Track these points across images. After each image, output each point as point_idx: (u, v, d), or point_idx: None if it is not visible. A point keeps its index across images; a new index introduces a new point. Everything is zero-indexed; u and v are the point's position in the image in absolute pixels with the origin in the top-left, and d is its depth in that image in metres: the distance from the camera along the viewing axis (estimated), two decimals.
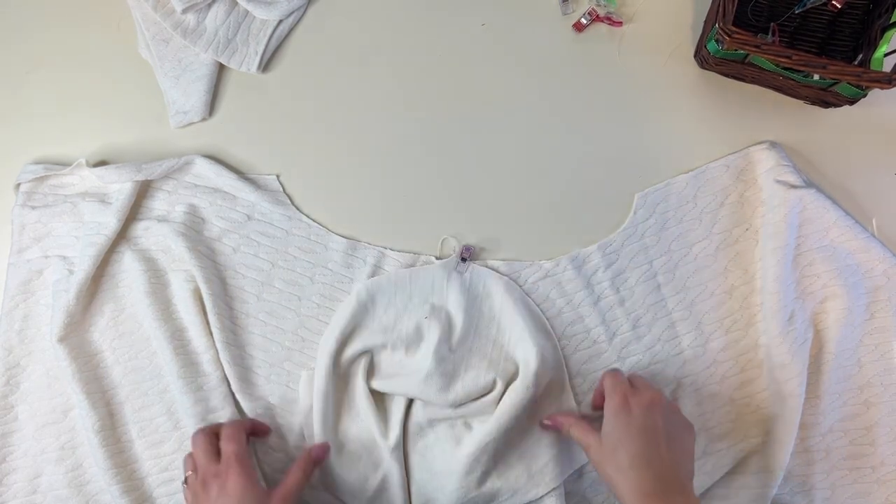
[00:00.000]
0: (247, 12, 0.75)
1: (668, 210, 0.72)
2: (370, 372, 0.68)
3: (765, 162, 0.71)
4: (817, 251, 0.69)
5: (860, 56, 0.71)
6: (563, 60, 0.75)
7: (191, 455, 0.61)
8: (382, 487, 0.65)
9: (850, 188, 0.72)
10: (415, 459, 0.66)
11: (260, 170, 0.74)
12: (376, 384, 0.67)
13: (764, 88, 0.73)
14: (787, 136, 0.73)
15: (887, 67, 0.68)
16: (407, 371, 0.67)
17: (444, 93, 0.75)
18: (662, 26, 0.75)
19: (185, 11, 0.74)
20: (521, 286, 0.70)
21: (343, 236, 0.72)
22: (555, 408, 0.67)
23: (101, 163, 0.74)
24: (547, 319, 0.69)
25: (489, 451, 0.64)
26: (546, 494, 0.65)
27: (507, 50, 0.76)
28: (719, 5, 0.64)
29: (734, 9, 0.64)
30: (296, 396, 0.69)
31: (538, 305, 0.70)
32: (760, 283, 0.69)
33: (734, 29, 0.62)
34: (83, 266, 0.68)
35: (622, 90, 0.75)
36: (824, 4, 0.72)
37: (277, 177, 0.74)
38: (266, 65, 0.76)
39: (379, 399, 0.67)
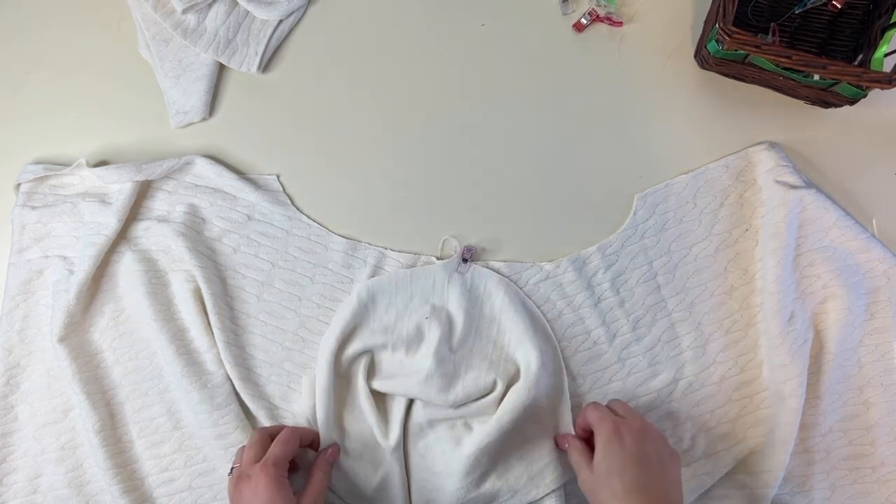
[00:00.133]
0: (247, 12, 0.75)
1: (667, 211, 0.72)
2: (371, 372, 0.68)
3: (764, 162, 0.71)
4: (817, 251, 0.69)
5: (860, 56, 0.71)
6: (563, 61, 0.75)
7: (242, 448, 0.61)
8: (382, 487, 0.65)
9: (850, 188, 0.72)
10: (415, 460, 0.66)
11: (260, 170, 0.74)
12: (377, 384, 0.67)
13: (764, 88, 0.73)
14: (787, 136, 0.73)
15: (887, 67, 0.68)
16: (407, 371, 0.67)
17: (445, 93, 0.75)
18: (662, 26, 0.75)
19: (185, 11, 0.74)
20: (521, 287, 0.70)
21: (343, 236, 0.72)
22: (553, 410, 0.67)
23: (102, 163, 0.74)
24: (547, 321, 0.69)
25: (489, 452, 0.64)
26: (546, 496, 0.65)
27: (507, 50, 0.76)
28: (719, 5, 0.64)
29: (734, 9, 0.64)
30: (296, 396, 0.69)
31: (539, 307, 0.70)
32: (760, 283, 0.69)
33: (734, 29, 0.62)
34: (83, 266, 0.68)
35: (622, 90, 0.75)
36: (824, 4, 0.72)
37: (277, 177, 0.74)
38: (266, 65, 0.76)
39: (379, 399, 0.67)
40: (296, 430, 0.62)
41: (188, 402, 0.67)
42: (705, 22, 0.73)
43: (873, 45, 0.69)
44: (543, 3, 0.76)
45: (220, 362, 0.68)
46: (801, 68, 0.63)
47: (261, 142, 0.75)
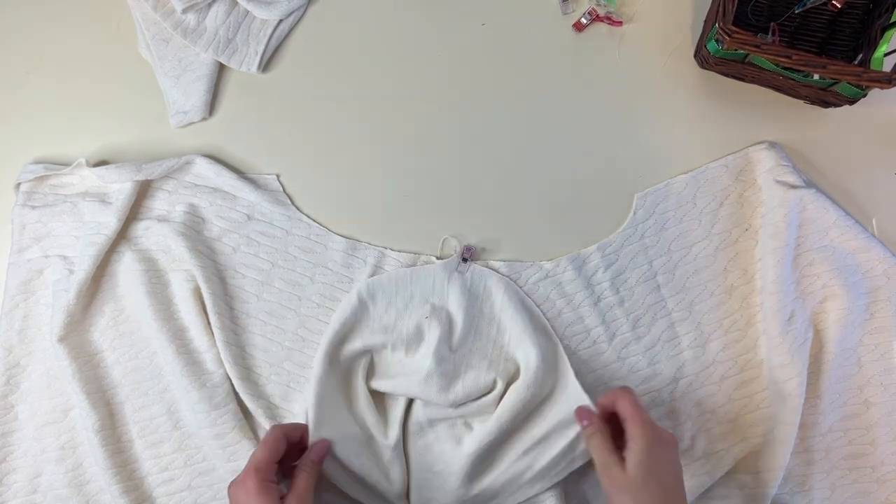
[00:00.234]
0: (247, 12, 0.75)
1: (667, 210, 0.72)
2: (370, 372, 0.68)
3: (764, 162, 0.71)
4: (817, 251, 0.69)
5: (860, 56, 0.71)
6: (563, 60, 0.75)
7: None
8: (381, 486, 0.65)
9: (850, 188, 0.72)
10: (414, 458, 0.66)
11: (260, 170, 0.74)
12: (376, 384, 0.67)
13: (764, 88, 0.73)
14: (787, 136, 0.73)
15: (887, 67, 0.68)
16: (407, 371, 0.67)
17: (445, 93, 0.75)
18: (662, 26, 0.75)
19: (185, 11, 0.74)
20: (521, 287, 0.70)
21: (343, 236, 0.72)
22: (557, 408, 0.67)
23: (101, 163, 0.74)
24: (547, 320, 0.69)
25: (490, 451, 0.64)
26: (546, 495, 0.65)
27: (507, 50, 0.76)
28: (719, 5, 0.64)
29: (734, 9, 0.64)
30: (296, 396, 0.69)
31: (538, 306, 0.70)
32: (760, 283, 0.69)
33: (734, 29, 0.62)
34: (83, 266, 0.68)
35: (622, 90, 0.75)
36: (824, 4, 0.72)
37: (277, 177, 0.74)
38: (266, 65, 0.76)
39: (378, 398, 0.67)
40: (282, 429, 0.61)
41: (187, 402, 0.67)
42: (705, 22, 0.73)
43: (873, 45, 0.69)
44: (543, 3, 0.76)
45: (220, 362, 0.68)
46: (801, 68, 0.63)
47: (261, 142, 0.75)
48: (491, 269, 0.70)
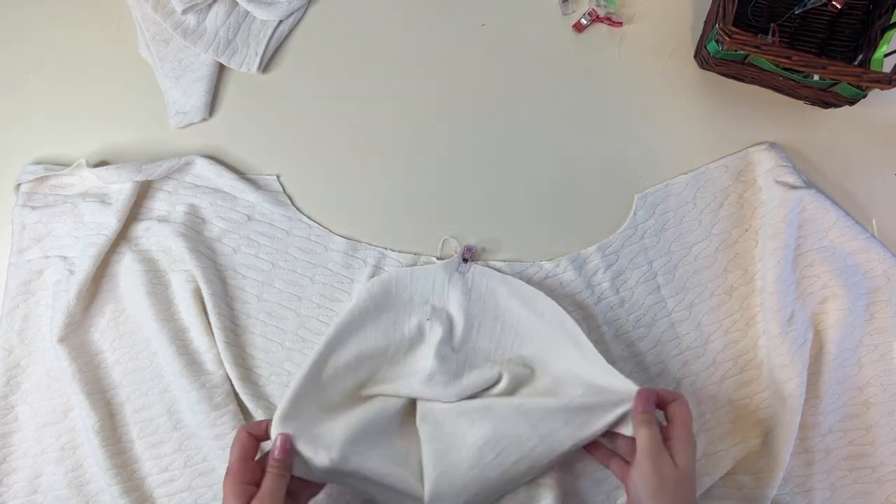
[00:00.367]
0: (247, 13, 0.75)
1: (667, 211, 0.72)
2: (372, 375, 0.67)
3: (764, 162, 0.71)
4: (817, 252, 0.69)
5: (860, 56, 0.71)
6: (563, 61, 0.75)
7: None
8: (394, 464, 0.62)
9: (850, 188, 0.72)
10: (427, 430, 0.64)
11: (260, 170, 0.74)
12: (378, 388, 0.66)
13: (764, 89, 0.73)
14: (787, 136, 0.73)
15: (887, 68, 0.68)
16: (409, 372, 0.67)
17: (445, 93, 0.75)
18: (662, 26, 0.75)
19: (185, 12, 0.74)
20: None
21: (343, 237, 0.72)
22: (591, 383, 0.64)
23: (102, 163, 0.74)
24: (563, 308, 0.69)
25: (508, 433, 0.62)
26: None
27: (507, 50, 0.76)
28: (719, 6, 0.64)
29: (734, 9, 0.64)
30: None
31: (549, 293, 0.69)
32: (760, 283, 0.69)
33: (734, 29, 0.62)
34: (83, 266, 0.68)
35: (622, 90, 0.75)
36: (824, 5, 0.72)
37: (277, 177, 0.74)
38: (266, 65, 0.76)
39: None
40: (244, 429, 0.59)
41: (187, 402, 0.67)
42: (705, 22, 0.73)
43: (873, 46, 0.69)
44: (543, 4, 0.76)
45: (220, 362, 0.68)
46: (801, 68, 0.63)
47: (261, 142, 0.75)
48: (492, 269, 0.70)
